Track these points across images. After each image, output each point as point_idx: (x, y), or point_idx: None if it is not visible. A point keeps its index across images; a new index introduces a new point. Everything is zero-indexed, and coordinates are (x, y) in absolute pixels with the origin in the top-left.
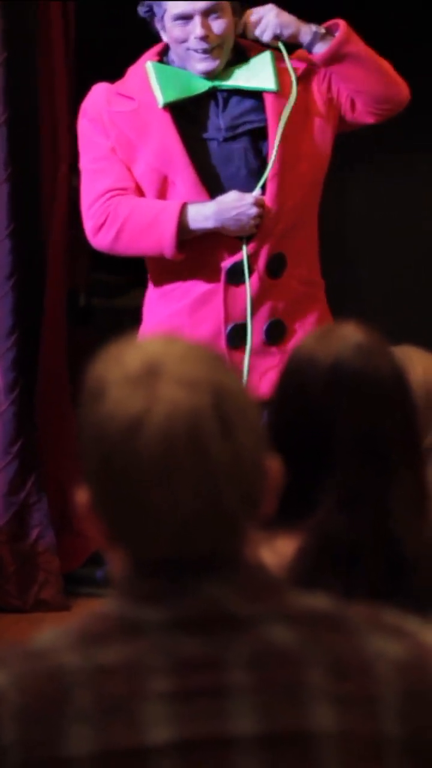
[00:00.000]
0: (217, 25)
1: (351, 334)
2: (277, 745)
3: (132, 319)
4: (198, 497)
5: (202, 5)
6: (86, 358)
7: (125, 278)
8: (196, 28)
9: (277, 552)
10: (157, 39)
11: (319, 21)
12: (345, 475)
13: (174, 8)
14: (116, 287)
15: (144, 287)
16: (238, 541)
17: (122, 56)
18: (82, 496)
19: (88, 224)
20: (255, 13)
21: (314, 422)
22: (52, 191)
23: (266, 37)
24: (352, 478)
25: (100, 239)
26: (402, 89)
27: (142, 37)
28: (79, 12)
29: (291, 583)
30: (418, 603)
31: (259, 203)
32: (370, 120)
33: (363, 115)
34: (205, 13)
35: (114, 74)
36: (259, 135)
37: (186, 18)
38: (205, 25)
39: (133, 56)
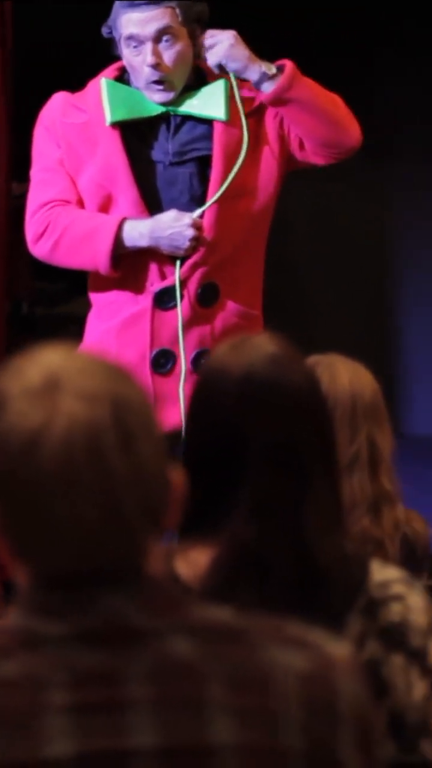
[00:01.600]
0: (169, 54)
1: (263, 345)
2: (176, 758)
3: (74, 326)
4: (98, 510)
5: (152, 28)
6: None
7: (67, 286)
8: (147, 55)
9: (191, 563)
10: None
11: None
12: (257, 486)
13: (125, 29)
14: (58, 295)
15: (83, 294)
16: (140, 553)
17: (62, 63)
18: None
19: (29, 233)
20: (210, 37)
21: (227, 432)
22: None
23: (210, 63)
24: (264, 489)
25: (39, 248)
26: (351, 135)
27: (85, 46)
28: (17, 17)
29: (205, 595)
30: (330, 615)
31: (196, 225)
32: (319, 161)
33: (311, 156)
34: (156, 39)
35: (53, 82)
36: (207, 162)
37: (138, 41)
38: (156, 53)
39: (74, 65)
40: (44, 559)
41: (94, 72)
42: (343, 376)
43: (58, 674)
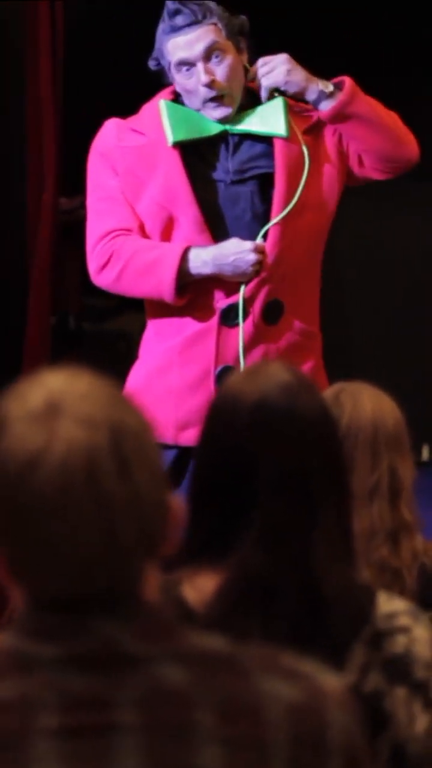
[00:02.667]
0: (221, 70)
1: (277, 373)
2: None
3: (122, 342)
4: (94, 535)
5: (200, 48)
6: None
7: (116, 302)
8: (200, 75)
9: (198, 588)
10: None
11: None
12: (266, 514)
13: (174, 56)
14: (107, 311)
15: (134, 310)
16: (136, 579)
17: (112, 86)
18: None
19: (92, 264)
20: (264, 65)
21: (238, 459)
22: (36, 217)
23: (265, 85)
24: (273, 517)
25: (102, 278)
26: (409, 149)
27: (134, 68)
28: (68, 40)
29: (210, 620)
30: (335, 644)
31: (258, 249)
32: (377, 176)
33: (370, 171)
34: (206, 57)
35: (103, 103)
36: (267, 179)
37: (189, 64)
38: (209, 71)
39: (123, 87)
40: (40, 582)
41: (143, 95)
42: (366, 404)
43: (49, 697)
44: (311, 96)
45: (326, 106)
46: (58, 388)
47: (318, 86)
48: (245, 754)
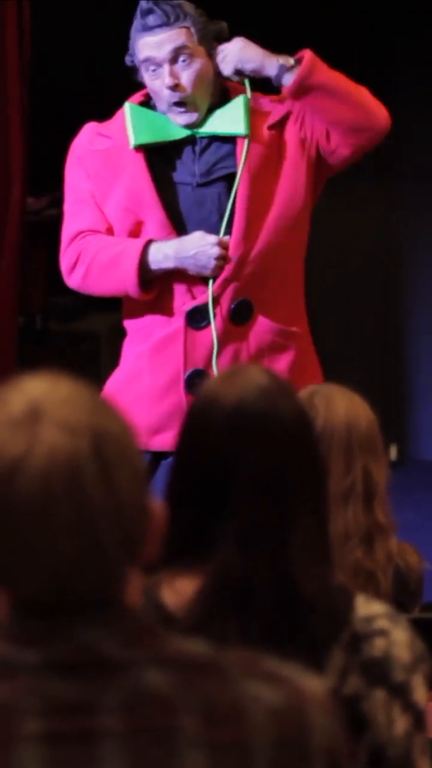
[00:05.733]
0: (187, 74)
1: (254, 377)
2: None
3: (89, 341)
4: (75, 540)
5: (168, 49)
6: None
7: (82, 301)
8: (164, 77)
9: (177, 592)
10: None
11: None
12: (244, 517)
13: (141, 53)
14: (73, 310)
15: (100, 310)
16: (117, 584)
17: (80, 84)
18: None
19: (63, 265)
20: (221, 51)
21: (215, 462)
22: (3, 217)
23: (226, 72)
24: (250, 520)
25: (72, 279)
26: (378, 117)
27: (109, 67)
28: (35, 38)
29: (189, 624)
30: (313, 647)
31: (222, 244)
32: (347, 152)
33: (340, 147)
34: (173, 59)
35: (69, 103)
36: (234, 179)
37: (155, 64)
38: (174, 74)
39: (94, 88)
40: (21, 587)
41: (118, 94)
42: (339, 406)
43: (31, 703)
44: (271, 71)
45: (288, 80)
46: (39, 394)
47: (278, 61)
48: (228, 758)
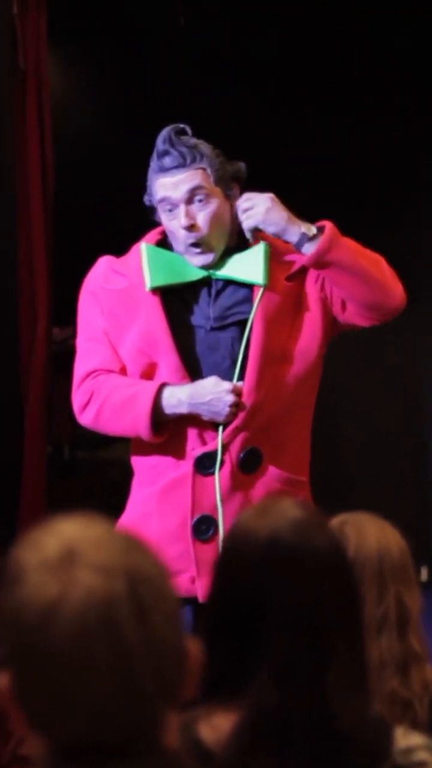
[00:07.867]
0: (203, 215)
1: (288, 510)
2: None
3: (116, 469)
4: (112, 683)
5: (184, 190)
6: (72, 510)
7: None
8: (181, 217)
9: (214, 728)
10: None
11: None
12: (280, 651)
13: (158, 194)
14: (100, 440)
15: (126, 438)
16: (156, 725)
17: (104, 215)
18: (3, 679)
19: (75, 403)
20: (247, 200)
21: (250, 596)
22: (30, 348)
23: (246, 227)
24: (286, 654)
25: (85, 417)
26: (393, 297)
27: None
28: (58, 169)
29: (227, 761)
30: None
31: (236, 391)
32: (362, 323)
33: (354, 317)
34: (189, 200)
35: (95, 233)
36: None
37: (172, 204)
38: (189, 214)
39: (116, 221)
40: (58, 731)
41: (138, 223)
42: (370, 535)
43: None
44: (292, 238)
45: (308, 250)
46: (72, 536)
47: (300, 229)
48: None
